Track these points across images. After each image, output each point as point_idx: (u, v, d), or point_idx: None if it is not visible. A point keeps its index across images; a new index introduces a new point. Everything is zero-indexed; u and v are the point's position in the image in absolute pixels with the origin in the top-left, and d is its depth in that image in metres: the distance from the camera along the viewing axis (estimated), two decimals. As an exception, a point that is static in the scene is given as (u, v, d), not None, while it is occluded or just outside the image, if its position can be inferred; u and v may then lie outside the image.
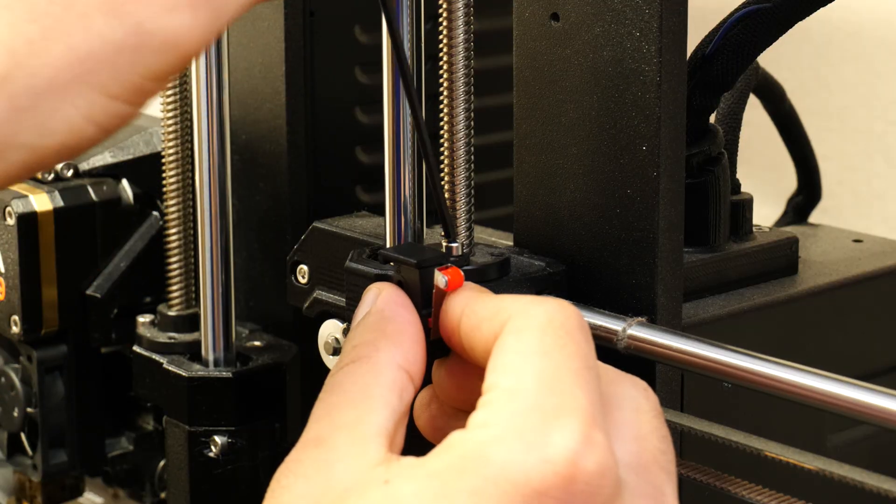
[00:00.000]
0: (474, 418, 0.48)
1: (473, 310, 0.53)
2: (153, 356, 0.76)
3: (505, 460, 0.46)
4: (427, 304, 0.55)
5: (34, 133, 0.47)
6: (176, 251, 0.78)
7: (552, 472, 0.46)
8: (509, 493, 0.45)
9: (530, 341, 0.49)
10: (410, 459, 0.48)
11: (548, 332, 0.49)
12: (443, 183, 0.63)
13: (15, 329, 0.80)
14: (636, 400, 0.52)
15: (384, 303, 0.55)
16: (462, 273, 0.55)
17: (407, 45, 0.62)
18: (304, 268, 0.72)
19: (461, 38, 0.62)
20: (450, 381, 0.56)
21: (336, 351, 0.66)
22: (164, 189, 0.78)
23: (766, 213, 0.94)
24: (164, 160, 0.78)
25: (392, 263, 0.57)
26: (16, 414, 0.82)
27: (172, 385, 0.74)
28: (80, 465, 0.83)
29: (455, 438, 0.48)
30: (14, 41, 0.46)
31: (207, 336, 0.74)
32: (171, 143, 0.77)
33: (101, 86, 0.47)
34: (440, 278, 0.54)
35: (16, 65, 0.46)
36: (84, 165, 0.82)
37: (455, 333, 0.54)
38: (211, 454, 0.73)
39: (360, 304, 0.55)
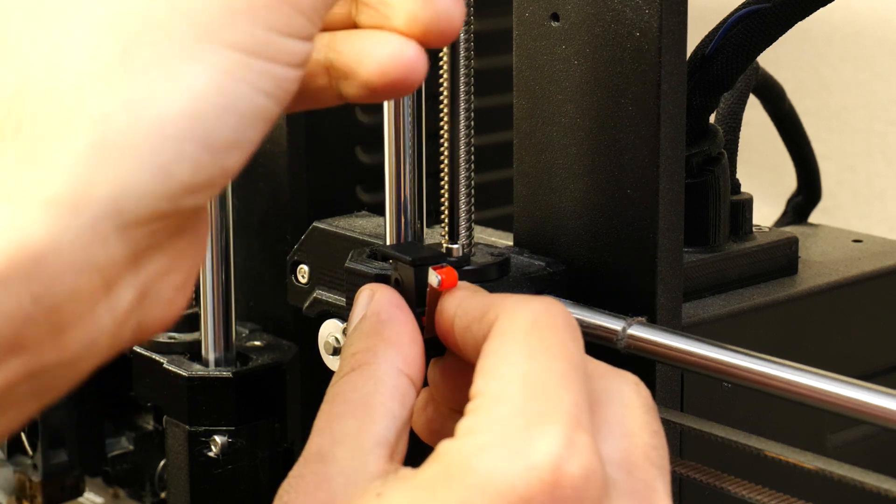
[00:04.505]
0: (461, 426, 0.48)
1: (465, 310, 0.53)
2: (153, 356, 0.76)
3: (490, 468, 0.46)
4: (421, 302, 0.55)
5: None
6: (176, 251, 0.78)
7: (536, 479, 0.46)
8: (495, 502, 0.45)
9: (514, 344, 0.49)
10: (406, 471, 0.48)
11: (532, 333, 0.49)
12: (442, 183, 0.63)
13: (15, 329, 0.80)
14: (626, 395, 0.51)
15: (379, 305, 0.54)
16: (456, 272, 0.55)
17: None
18: (304, 268, 0.72)
19: (461, 38, 0.62)
20: (445, 381, 0.56)
21: (336, 351, 0.66)
22: (164, 189, 0.78)
23: (766, 213, 0.94)
24: (164, 160, 0.78)
25: (389, 261, 0.57)
26: (16, 414, 0.81)
27: (172, 385, 0.74)
28: (80, 465, 0.83)
29: (443, 447, 0.48)
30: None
31: (207, 336, 0.74)
32: (171, 143, 0.77)
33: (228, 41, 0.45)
34: (433, 277, 0.54)
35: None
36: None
37: (450, 334, 0.54)
38: (211, 454, 0.73)
39: (354, 307, 0.55)
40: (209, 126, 0.45)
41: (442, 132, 0.64)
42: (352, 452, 0.49)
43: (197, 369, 0.74)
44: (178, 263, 0.47)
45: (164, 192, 0.44)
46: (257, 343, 0.77)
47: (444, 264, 0.55)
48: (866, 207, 1.22)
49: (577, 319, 0.53)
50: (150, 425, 0.83)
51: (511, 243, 0.68)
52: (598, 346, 0.60)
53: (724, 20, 0.71)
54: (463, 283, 0.55)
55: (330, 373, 0.63)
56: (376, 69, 0.50)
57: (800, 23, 0.71)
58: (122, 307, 0.45)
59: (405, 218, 0.64)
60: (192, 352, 0.75)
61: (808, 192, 0.92)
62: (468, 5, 0.62)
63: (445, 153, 0.64)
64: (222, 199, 0.73)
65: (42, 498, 0.82)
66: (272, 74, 0.46)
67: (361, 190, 0.82)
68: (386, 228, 0.65)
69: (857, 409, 0.53)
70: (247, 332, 0.79)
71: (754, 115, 0.85)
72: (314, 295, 0.71)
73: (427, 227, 0.66)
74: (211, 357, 0.74)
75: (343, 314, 0.66)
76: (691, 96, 0.70)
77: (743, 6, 0.71)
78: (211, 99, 0.45)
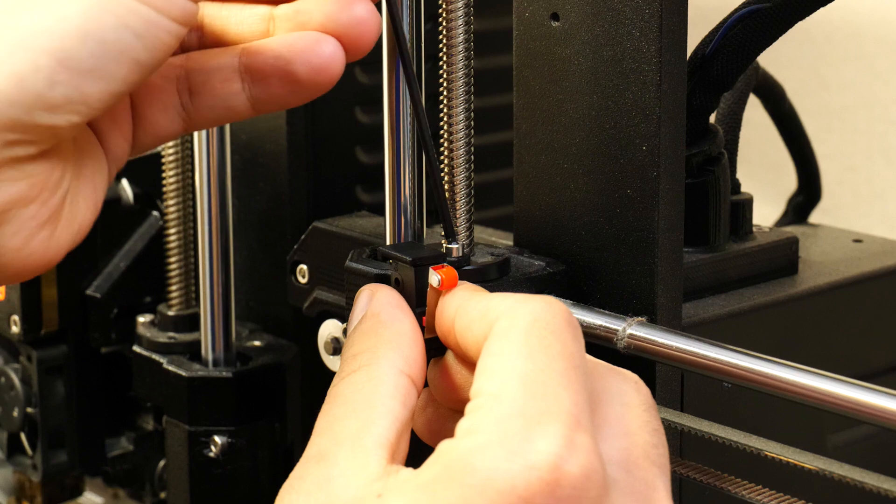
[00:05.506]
0: (461, 426, 0.48)
1: (465, 310, 0.53)
2: (153, 356, 0.76)
3: (490, 468, 0.46)
4: (421, 302, 0.55)
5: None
6: (176, 251, 0.78)
7: (536, 479, 0.46)
8: (495, 501, 0.45)
9: (515, 343, 0.49)
10: (406, 472, 0.48)
11: (532, 332, 0.49)
12: (443, 183, 0.63)
13: (15, 329, 0.80)
14: (626, 394, 0.51)
15: (380, 306, 0.54)
16: (456, 272, 0.55)
17: (407, 46, 0.62)
18: (304, 268, 0.72)
19: (461, 38, 0.62)
20: (445, 381, 0.56)
21: (336, 350, 0.66)
22: (164, 189, 0.78)
23: (766, 213, 0.94)
24: (163, 160, 0.78)
25: (390, 261, 0.57)
26: (16, 414, 0.82)
27: (172, 385, 0.74)
28: (80, 465, 0.83)
29: (444, 447, 0.48)
30: None
31: (207, 336, 0.74)
32: (170, 143, 0.77)
33: None
34: (433, 277, 0.54)
35: None
36: (84, 165, 0.82)
37: (451, 334, 0.54)
38: (211, 454, 0.73)
39: (354, 308, 0.55)
40: (68, 46, 0.47)
41: (442, 132, 0.64)
42: (352, 453, 0.49)
43: (197, 369, 0.74)
44: (39, 194, 0.49)
45: (18, 99, 0.47)
46: (257, 343, 0.77)
47: (444, 264, 0.55)
48: (866, 207, 1.22)
49: (577, 319, 0.53)
50: (150, 425, 0.83)
51: (511, 243, 0.68)
52: (598, 346, 0.60)
53: (724, 20, 0.71)
54: (463, 283, 0.55)
55: (330, 373, 0.63)
56: (298, 58, 0.52)
57: (800, 23, 0.71)
58: None
59: (405, 218, 0.64)
60: (192, 352, 0.75)
61: (808, 192, 0.92)
62: (468, 5, 0.62)
63: (445, 153, 0.64)
64: (222, 198, 0.74)
65: (42, 498, 0.83)
66: (143, 16, 0.48)
67: (361, 190, 0.82)
68: (386, 228, 0.65)
69: (857, 409, 0.53)
70: (247, 332, 0.79)
71: (754, 115, 0.85)
72: (314, 295, 0.71)
73: (427, 227, 0.66)
74: (211, 357, 0.74)
75: (343, 314, 0.66)
76: (691, 96, 0.70)
77: (743, 6, 0.71)
78: (74, 20, 0.47)
